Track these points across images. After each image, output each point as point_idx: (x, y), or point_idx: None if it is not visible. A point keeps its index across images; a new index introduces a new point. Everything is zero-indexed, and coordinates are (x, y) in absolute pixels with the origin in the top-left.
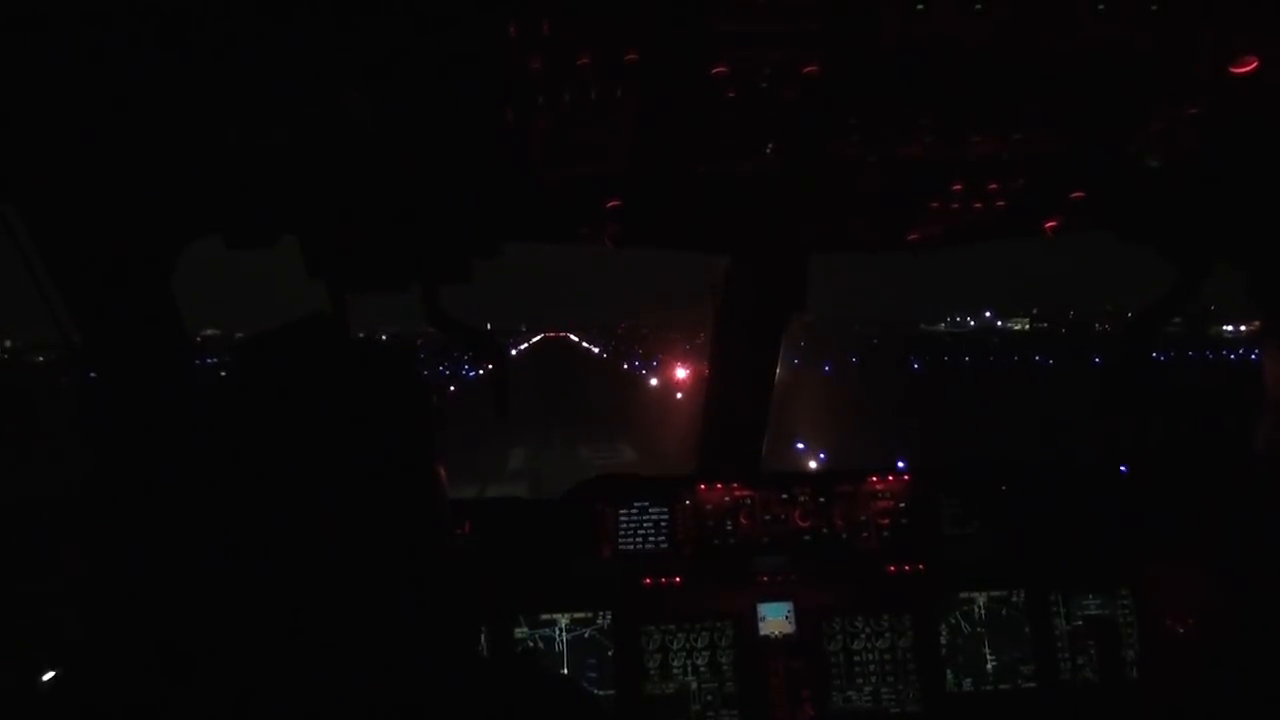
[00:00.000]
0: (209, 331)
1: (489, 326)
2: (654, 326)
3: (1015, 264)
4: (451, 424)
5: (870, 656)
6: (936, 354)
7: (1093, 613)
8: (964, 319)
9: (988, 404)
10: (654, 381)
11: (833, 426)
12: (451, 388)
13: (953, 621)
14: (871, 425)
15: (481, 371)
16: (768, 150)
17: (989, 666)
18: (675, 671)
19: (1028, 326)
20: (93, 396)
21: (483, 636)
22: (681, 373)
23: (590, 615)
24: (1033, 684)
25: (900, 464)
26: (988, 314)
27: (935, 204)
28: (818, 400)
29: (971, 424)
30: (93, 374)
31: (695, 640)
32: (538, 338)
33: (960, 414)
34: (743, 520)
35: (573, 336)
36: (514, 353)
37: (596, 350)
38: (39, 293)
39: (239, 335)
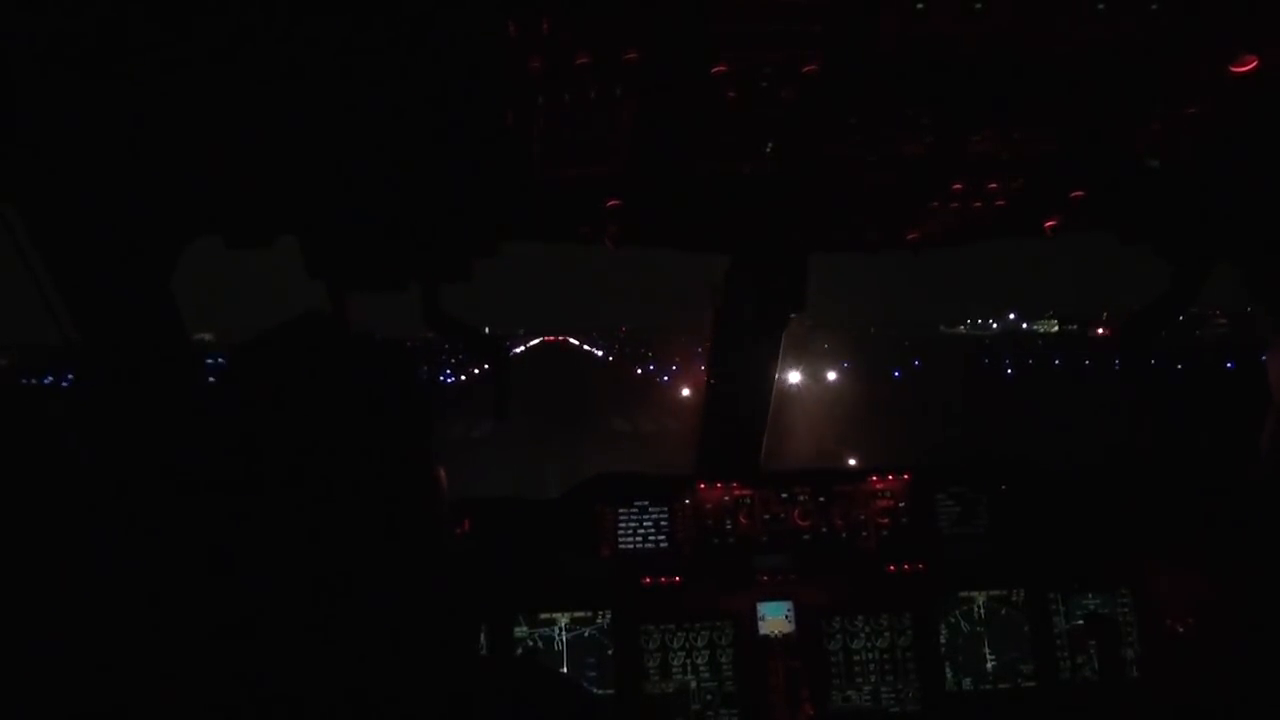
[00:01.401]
0: (202, 336)
1: (486, 331)
2: (658, 328)
3: (1036, 263)
4: None
5: (870, 656)
6: (1019, 357)
7: (1092, 612)
8: (986, 321)
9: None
10: (685, 391)
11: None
12: None
13: (952, 621)
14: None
15: (463, 376)
16: (767, 150)
17: (989, 666)
18: (675, 671)
19: (1055, 328)
20: (91, 396)
21: (482, 636)
22: None
23: (590, 615)
24: (1032, 683)
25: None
26: (1011, 316)
27: (935, 204)
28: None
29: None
30: (93, 374)
31: (695, 639)
32: (535, 341)
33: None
34: (742, 520)
35: (573, 340)
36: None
37: (600, 354)
38: (39, 293)
39: (232, 339)
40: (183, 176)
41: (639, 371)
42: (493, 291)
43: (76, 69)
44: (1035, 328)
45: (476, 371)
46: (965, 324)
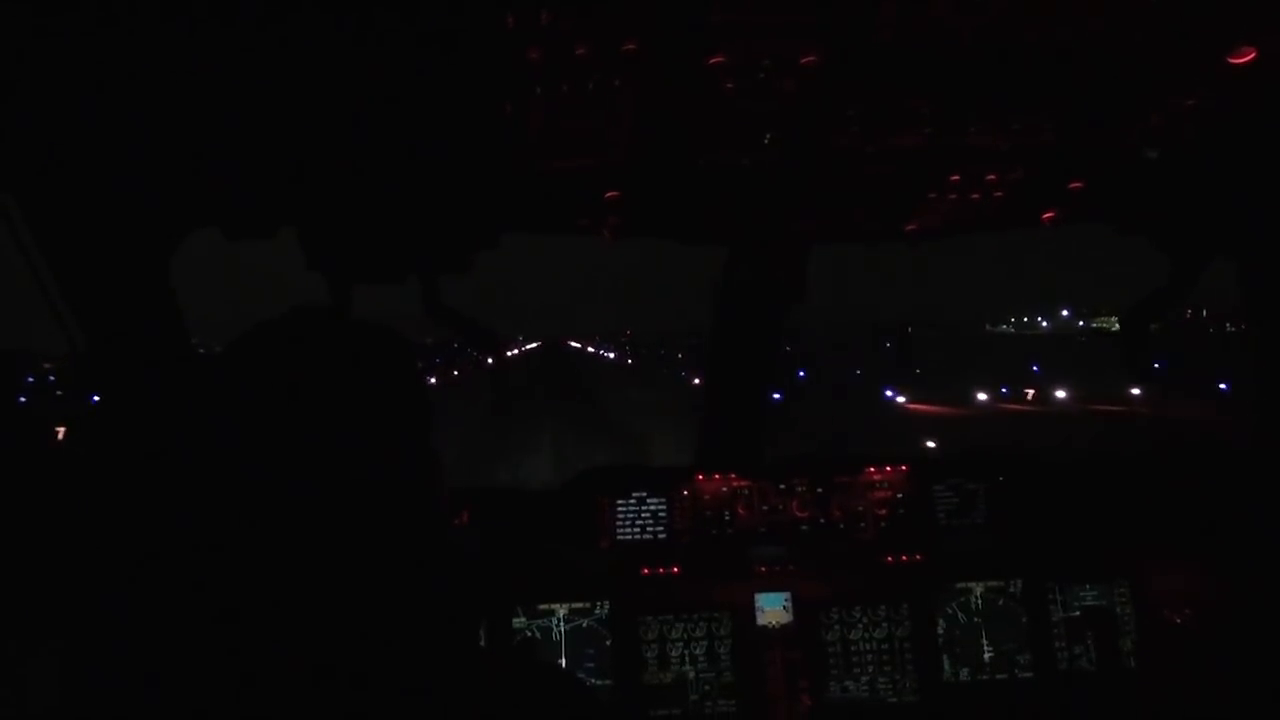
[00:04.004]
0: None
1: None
2: (663, 330)
3: (1075, 255)
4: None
5: (867, 646)
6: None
7: (1090, 603)
8: (1034, 319)
9: None
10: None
11: None
12: None
13: (950, 611)
14: None
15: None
16: (766, 141)
17: (986, 656)
18: (673, 661)
19: (1117, 327)
20: (91, 389)
21: (481, 626)
22: None
23: (588, 605)
24: (1030, 674)
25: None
26: (1065, 313)
27: (933, 194)
28: None
29: None
30: (93, 367)
31: (693, 630)
32: (532, 345)
33: None
34: (741, 510)
35: (574, 343)
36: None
37: (613, 356)
38: (37, 284)
39: (228, 335)
40: (182, 166)
41: (697, 382)
42: (490, 305)
43: (78, 60)
44: (1093, 324)
45: (452, 374)
46: (1010, 322)
